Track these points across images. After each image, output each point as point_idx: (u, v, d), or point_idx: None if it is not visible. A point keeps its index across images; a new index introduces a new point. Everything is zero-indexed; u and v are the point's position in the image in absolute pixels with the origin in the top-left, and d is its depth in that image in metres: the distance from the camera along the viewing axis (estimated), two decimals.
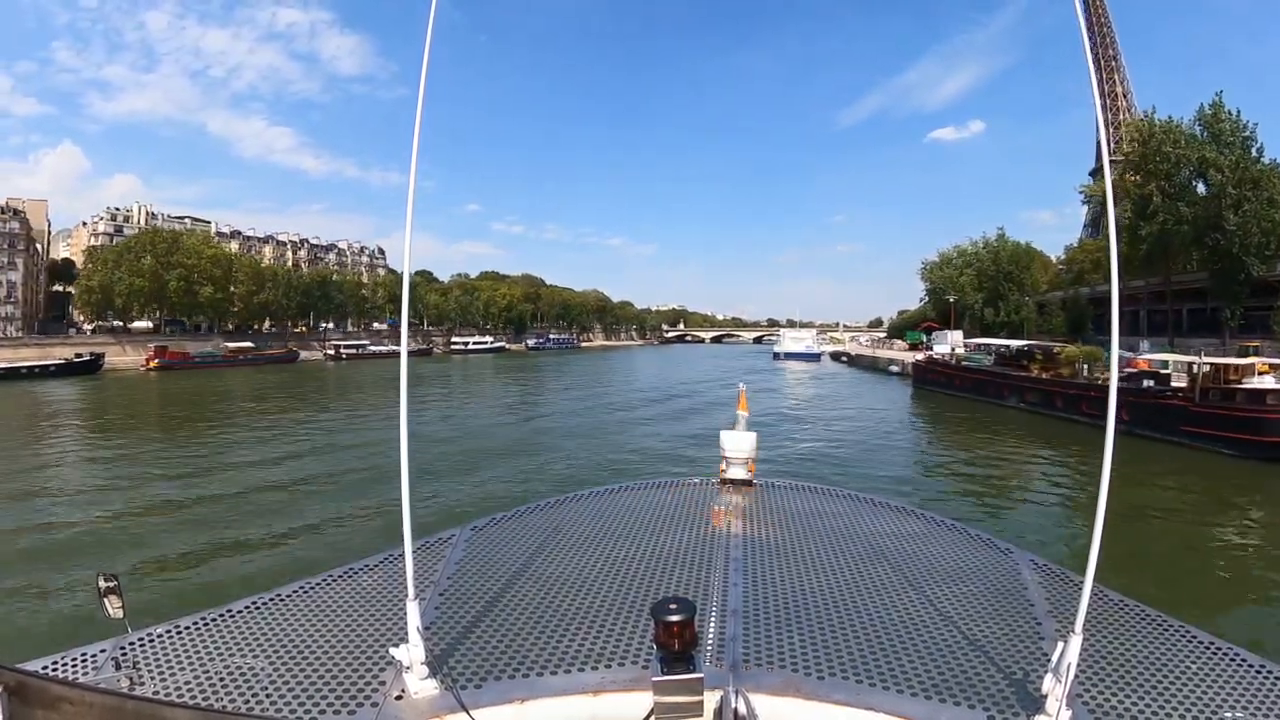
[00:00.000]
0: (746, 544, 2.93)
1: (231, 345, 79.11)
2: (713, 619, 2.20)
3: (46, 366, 60.99)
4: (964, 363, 38.73)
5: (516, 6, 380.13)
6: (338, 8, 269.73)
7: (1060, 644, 1.68)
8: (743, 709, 1.71)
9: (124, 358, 72.59)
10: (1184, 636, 2.23)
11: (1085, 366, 29.76)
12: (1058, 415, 28.44)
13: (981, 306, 73.22)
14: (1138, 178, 49.92)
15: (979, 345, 41.39)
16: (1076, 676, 1.74)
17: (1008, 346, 37.03)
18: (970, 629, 2.19)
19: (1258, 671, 2.03)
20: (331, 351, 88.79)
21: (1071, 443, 23.79)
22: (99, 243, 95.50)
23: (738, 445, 3.99)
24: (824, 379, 54.26)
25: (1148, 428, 24.33)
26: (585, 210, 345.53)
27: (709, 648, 2.02)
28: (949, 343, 67.32)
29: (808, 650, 2.02)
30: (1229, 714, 1.81)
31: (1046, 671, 1.71)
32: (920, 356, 46.84)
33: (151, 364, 68.89)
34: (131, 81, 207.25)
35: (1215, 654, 2.13)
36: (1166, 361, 34.21)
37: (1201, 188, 45.27)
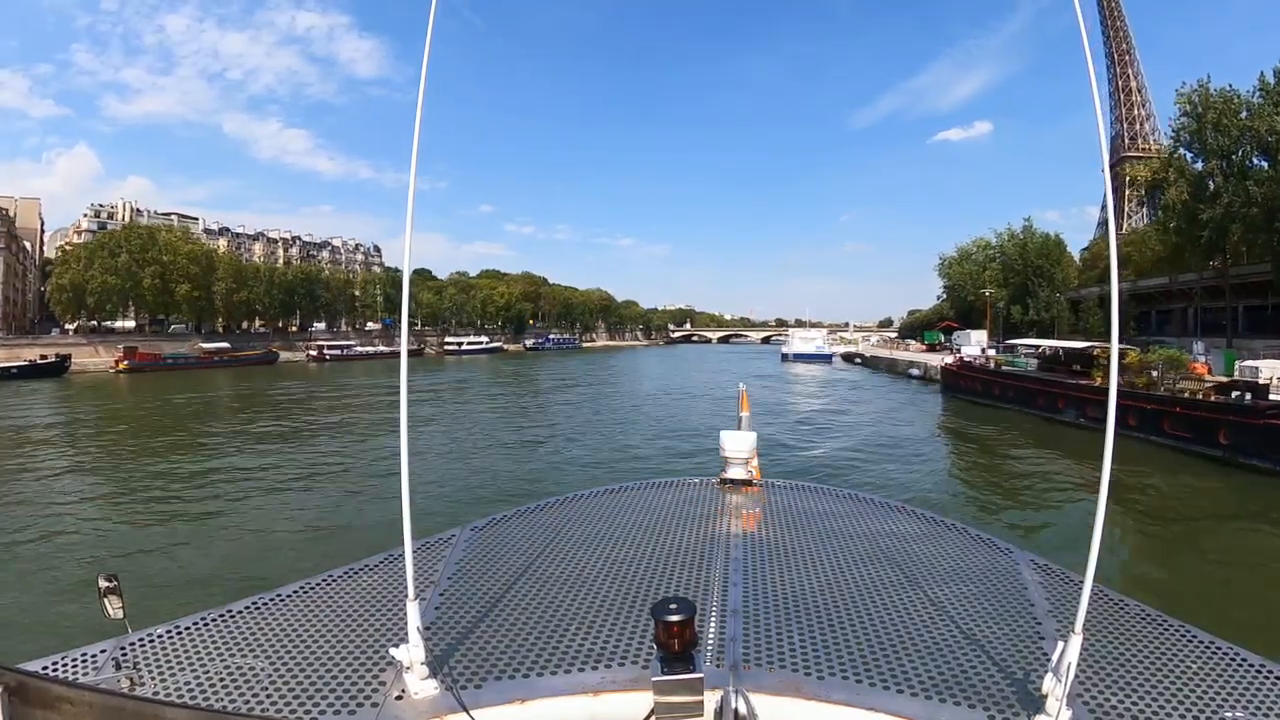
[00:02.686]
0: (746, 544, 2.88)
1: (206, 346, 74.96)
2: (713, 619, 2.18)
3: (9, 369, 57.47)
4: (1004, 367, 33.28)
5: (530, 9, 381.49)
6: (356, 11, 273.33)
7: (1060, 644, 1.68)
8: (743, 709, 1.71)
9: (96, 359, 69.03)
10: (1184, 636, 2.21)
11: (1161, 374, 24.49)
12: (1131, 435, 23.19)
13: (1008, 304, 67.85)
14: (1188, 155, 44.81)
15: (1021, 346, 35.59)
16: (1077, 676, 1.74)
17: (1058, 348, 31.26)
18: (970, 629, 2.18)
19: (1258, 671, 2.01)
20: (314, 353, 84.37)
21: (1162, 475, 18.64)
22: (82, 240, 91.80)
23: (738, 445, 3.88)
24: (838, 386, 48.24)
25: (1256, 455, 19.15)
26: (597, 211, 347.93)
27: (709, 648, 2.00)
28: (973, 343, 62.09)
29: (808, 650, 2.00)
30: (1229, 713, 1.80)
31: (1047, 671, 1.70)
32: (948, 359, 41.21)
33: (120, 365, 64.96)
34: (149, 84, 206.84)
35: (1215, 653, 2.11)
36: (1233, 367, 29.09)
37: (1263, 165, 40.05)
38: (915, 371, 52.29)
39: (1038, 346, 35.14)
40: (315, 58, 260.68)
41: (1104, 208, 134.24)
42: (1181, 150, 45.65)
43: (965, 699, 1.79)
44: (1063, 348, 30.65)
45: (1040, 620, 2.25)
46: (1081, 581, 1.78)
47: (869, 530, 3.18)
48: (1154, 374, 24.42)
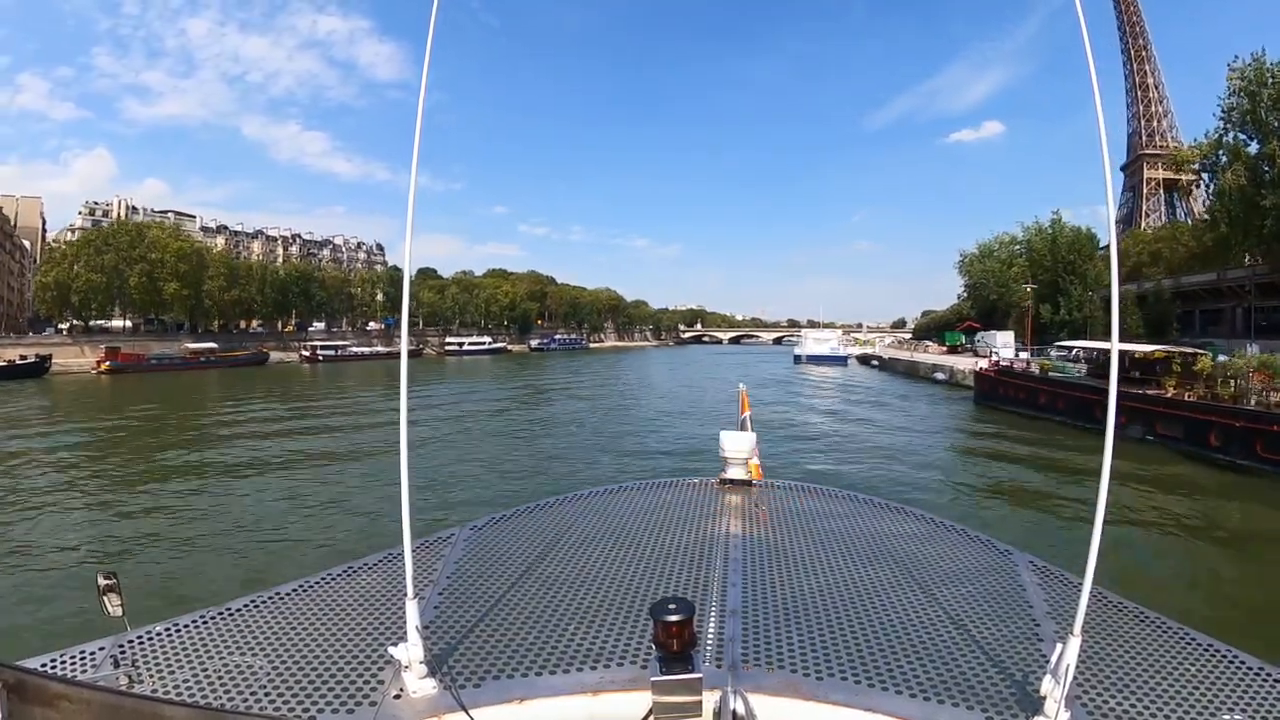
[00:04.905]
0: (746, 544, 2.88)
1: (192, 346, 72.26)
2: (712, 619, 2.18)
3: None
4: (1050, 373, 29.18)
5: (554, 10, 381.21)
6: (376, 16, 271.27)
7: (1059, 645, 1.67)
8: (741, 709, 1.71)
9: (80, 359, 66.56)
10: (1183, 638, 2.20)
11: (1248, 383, 20.54)
12: (1213, 457, 19.35)
13: (1036, 303, 63.51)
14: (1242, 137, 40.83)
15: (1069, 349, 31.03)
16: (1075, 678, 1.73)
17: (1120, 352, 26.83)
18: (969, 630, 2.17)
19: (1256, 673, 2.01)
20: (307, 353, 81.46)
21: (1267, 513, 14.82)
22: (75, 238, 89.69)
23: (737, 445, 3.88)
24: (858, 392, 43.85)
25: None
26: (610, 212, 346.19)
27: (708, 648, 1.99)
28: (1000, 344, 57.98)
29: (806, 651, 2.00)
30: (1228, 716, 1.80)
31: (1045, 673, 1.70)
32: (982, 364, 37.04)
33: (102, 367, 62.39)
34: (169, 87, 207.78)
35: (1214, 656, 2.10)
36: None
37: None
38: (941, 375, 48.11)
39: (1083, 349, 31.01)
40: (336, 61, 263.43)
41: (1121, 206, 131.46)
42: (1234, 132, 41.71)
43: (964, 700, 1.78)
44: (1125, 350, 26.56)
45: (1039, 622, 2.22)
46: (1080, 583, 1.77)
47: (868, 531, 3.14)
48: (1240, 383, 20.46)
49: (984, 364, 36.28)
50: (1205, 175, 47.78)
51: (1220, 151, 44.91)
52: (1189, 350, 24.92)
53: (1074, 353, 34.32)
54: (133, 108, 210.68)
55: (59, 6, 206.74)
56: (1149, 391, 22.67)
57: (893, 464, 19.85)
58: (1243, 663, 2.05)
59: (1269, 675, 1.99)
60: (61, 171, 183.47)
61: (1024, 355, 40.34)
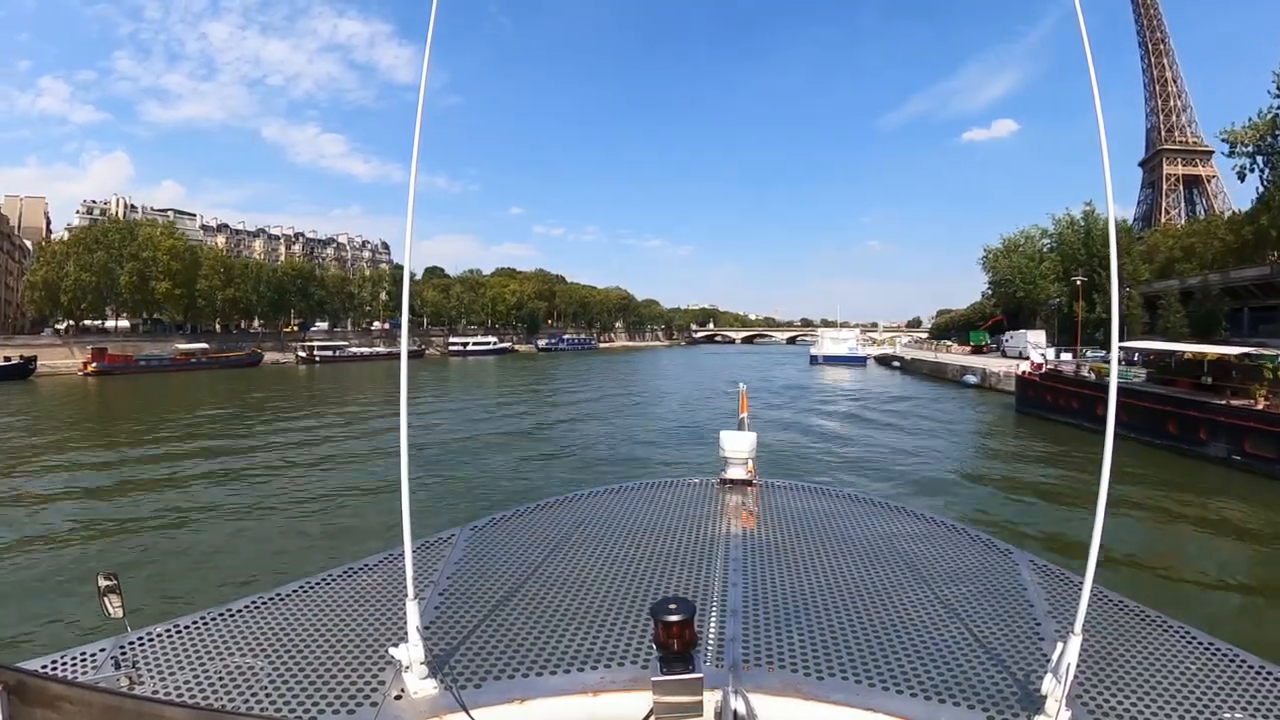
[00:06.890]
0: (746, 544, 2.88)
1: (183, 347, 70.09)
2: (712, 619, 2.19)
3: None
4: (1107, 379, 25.30)
5: (559, 12, 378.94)
6: (397, 20, 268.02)
7: (1060, 644, 1.68)
8: (742, 709, 1.71)
9: (69, 360, 64.64)
10: (1183, 637, 2.19)
11: None
12: None
13: (1071, 299, 59.49)
14: None
15: (1136, 350, 26.64)
16: (1076, 677, 1.73)
17: (1199, 355, 22.62)
18: (970, 629, 2.17)
19: (1257, 672, 2.00)
20: (304, 354, 79.03)
21: None
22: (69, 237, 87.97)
23: (737, 445, 3.87)
24: (883, 399, 39.31)
25: None
26: (625, 213, 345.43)
27: (708, 648, 2.00)
28: (1031, 344, 54.08)
29: (807, 651, 2.00)
30: (1228, 714, 1.80)
31: (1046, 672, 1.71)
32: (1024, 366, 33.19)
33: (89, 368, 60.29)
34: (190, 90, 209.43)
35: (1215, 654, 2.09)
36: None
37: None
38: (972, 379, 44.18)
39: (1138, 351, 27.14)
40: (356, 64, 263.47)
41: (1140, 202, 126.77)
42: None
43: (965, 699, 1.78)
44: (1203, 354, 22.66)
45: (1040, 621, 2.22)
46: (1081, 582, 1.77)
47: (869, 530, 3.13)
48: None
49: (1026, 367, 32.55)
50: (1260, 159, 44.13)
51: (1276, 132, 41.26)
52: (1269, 352, 21.19)
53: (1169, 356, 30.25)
54: (152, 110, 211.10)
55: (81, 11, 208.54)
56: (1234, 403, 19.09)
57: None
58: (1244, 662, 2.02)
59: (1270, 674, 1.95)
60: (79, 174, 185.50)
61: (1066, 357, 36.52)
